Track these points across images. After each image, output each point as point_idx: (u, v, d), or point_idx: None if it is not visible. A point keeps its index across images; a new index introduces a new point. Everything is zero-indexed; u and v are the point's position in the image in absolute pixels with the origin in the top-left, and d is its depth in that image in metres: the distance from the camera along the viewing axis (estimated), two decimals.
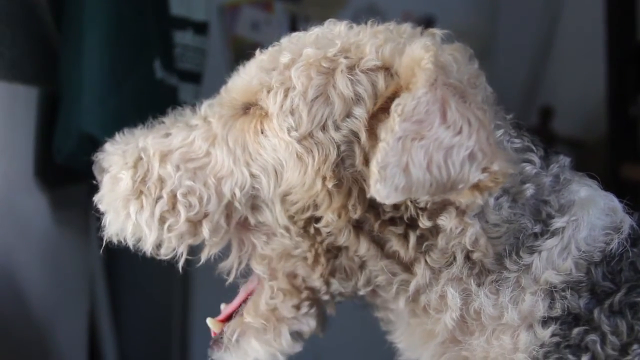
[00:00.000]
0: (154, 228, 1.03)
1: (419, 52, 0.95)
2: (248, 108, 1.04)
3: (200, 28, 2.16)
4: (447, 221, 0.96)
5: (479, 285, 0.97)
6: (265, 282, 1.07)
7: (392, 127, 0.89)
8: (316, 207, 0.99)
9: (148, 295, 2.83)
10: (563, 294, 0.95)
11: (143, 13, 1.80)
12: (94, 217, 2.21)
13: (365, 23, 1.06)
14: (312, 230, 1.01)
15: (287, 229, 1.02)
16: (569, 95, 3.44)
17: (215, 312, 1.14)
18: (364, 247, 1.00)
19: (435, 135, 0.89)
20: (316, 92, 0.99)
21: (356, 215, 0.98)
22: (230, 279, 1.09)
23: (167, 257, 1.05)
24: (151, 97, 1.81)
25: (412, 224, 0.98)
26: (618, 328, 0.93)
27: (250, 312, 1.08)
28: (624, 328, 0.93)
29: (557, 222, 0.98)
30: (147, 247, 1.04)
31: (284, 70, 1.01)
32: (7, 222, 1.61)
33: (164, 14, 1.97)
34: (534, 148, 1.02)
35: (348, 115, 0.97)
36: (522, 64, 3.52)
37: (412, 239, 0.98)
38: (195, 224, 1.04)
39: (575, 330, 0.94)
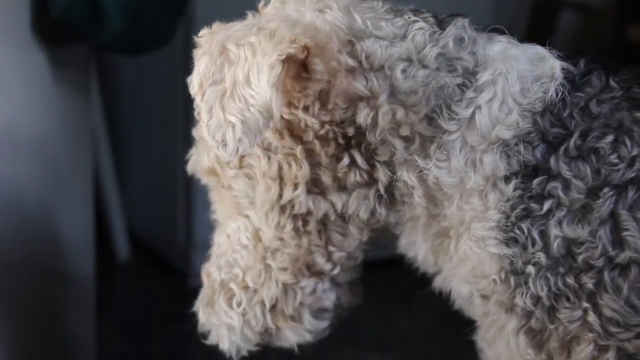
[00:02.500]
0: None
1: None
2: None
3: None
4: (360, 115, 0.97)
5: (424, 157, 0.96)
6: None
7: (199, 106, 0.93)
8: (281, 196, 1.02)
9: (152, 154, 2.86)
10: (516, 148, 0.93)
11: None
12: (94, 77, 2.20)
13: None
14: (299, 225, 1.04)
15: (282, 239, 1.05)
16: None
17: None
18: (338, 200, 1.02)
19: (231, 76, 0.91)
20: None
21: (302, 173, 1.00)
22: None
23: None
24: None
25: (349, 142, 0.99)
26: (581, 172, 0.91)
27: None
28: (587, 171, 0.91)
29: (483, 76, 0.95)
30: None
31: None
32: (5, 79, 1.60)
33: None
34: (419, 19, 0.99)
35: None
36: None
37: (357, 155, 0.99)
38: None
39: (536, 181, 0.92)
